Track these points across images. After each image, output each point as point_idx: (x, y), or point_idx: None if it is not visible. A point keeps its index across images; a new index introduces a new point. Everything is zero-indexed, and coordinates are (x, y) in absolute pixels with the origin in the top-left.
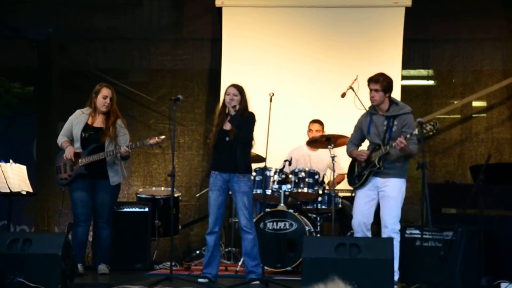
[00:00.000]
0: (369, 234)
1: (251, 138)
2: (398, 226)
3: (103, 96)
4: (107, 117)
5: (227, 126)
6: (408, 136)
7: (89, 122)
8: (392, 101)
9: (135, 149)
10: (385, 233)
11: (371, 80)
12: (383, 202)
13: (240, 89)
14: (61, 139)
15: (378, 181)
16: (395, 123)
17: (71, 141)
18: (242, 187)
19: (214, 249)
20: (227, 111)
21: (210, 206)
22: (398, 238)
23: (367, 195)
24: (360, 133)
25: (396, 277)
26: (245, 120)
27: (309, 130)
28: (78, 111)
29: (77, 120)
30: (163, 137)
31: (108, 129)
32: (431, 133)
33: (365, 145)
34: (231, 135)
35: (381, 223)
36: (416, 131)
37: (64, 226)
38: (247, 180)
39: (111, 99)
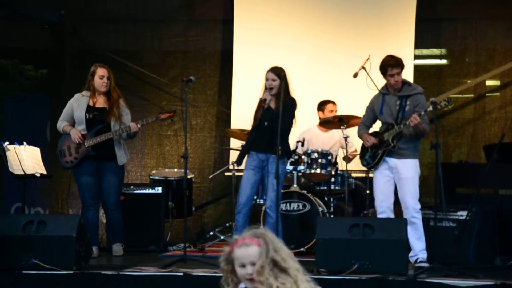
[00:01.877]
0: (392, 215)
1: (290, 126)
2: (419, 206)
3: (100, 76)
4: (108, 97)
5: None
6: (422, 113)
7: (91, 104)
8: (404, 82)
9: (145, 127)
10: (407, 214)
11: (391, 65)
12: (401, 183)
13: (278, 73)
14: (62, 124)
15: (393, 161)
16: (408, 102)
17: (72, 125)
18: (274, 168)
19: (243, 230)
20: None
21: (242, 185)
22: (420, 217)
23: (385, 174)
24: (372, 114)
25: (424, 256)
26: (284, 108)
27: (324, 110)
28: (77, 95)
29: (77, 103)
30: (174, 112)
31: (112, 108)
32: (446, 109)
33: (376, 127)
34: (270, 117)
35: (401, 204)
36: (430, 108)
37: (77, 208)
38: (282, 163)
39: (108, 77)
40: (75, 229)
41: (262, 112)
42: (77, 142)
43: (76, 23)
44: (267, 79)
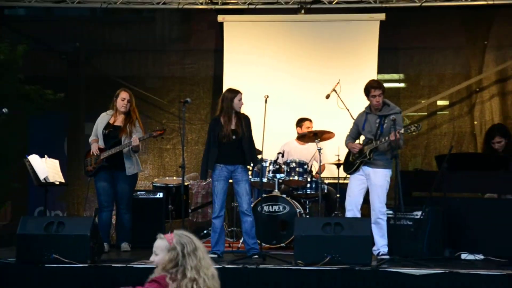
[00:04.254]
0: (359, 214)
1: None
2: (385, 209)
3: (122, 98)
4: (126, 116)
5: (232, 125)
6: (402, 131)
7: (111, 122)
8: (384, 103)
9: (149, 143)
10: (374, 215)
11: (374, 87)
12: (372, 189)
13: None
14: (91, 138)
15: (367, 170)
16: (386, 121)
17: (98, 140)
18: (244, 176)
19: (221, 231)
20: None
21: (217, 194)
22: (385, 218)
23: (359, 179)
24: (357, 129)
25: (385, 250)
26: (247, 123)
27: (301, 126)
28: (103, 114)
29: (101, 120)
30: (164, 130)
31: (125, 126)
32: (414, 133)
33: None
34: (237, 133)
35: (370, 206)
36: (402, 130)
37: (91, 211)
38: (247, 170)
39: (129, 100)
40: (89, 229)
41: (229, 129)
42: (95, 154)
43: (90, 53)
44: (240, 100)
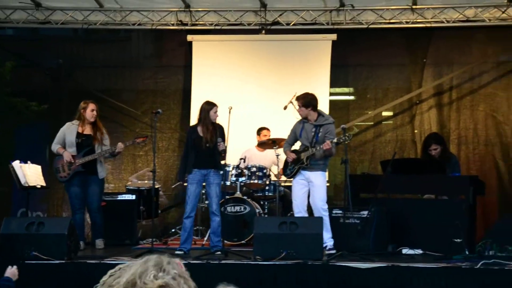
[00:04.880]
0: (306, 214)
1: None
2: (326, 206)
3: (91, 109)
4: (93, 126)
5: (208, 134)
6: (335, 140)
7: (80, 131)
8: (319, 113)
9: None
10: (316, 213)
11: (296, 100)
12: (312, 190)
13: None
14: (56, 146)
15: (307, 174)
16: (321, 130)
17: (64, 148)
18: (216, 179)
19: (190, 230)
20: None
21: (189, 196)
22: (327, 214)
23: (301, 183)
24: (294, 136)
25: (331, 243)
26: (222, 132)
27: (260, 135)
28: (68, 123)
29: (69, 130)
30: (147, 137)
31: (96, 135)
32: (346, 142)
33: (297, 145)
34: (212, 141)
35: (312, 206)
36: (335, 140)
37: (69, 212)
38: (220, 174)
39: (97, 111)
40: (66, 228)
41: (205, 137)
42: (69, 161)
43: (71, 69)
44: (215, 112)
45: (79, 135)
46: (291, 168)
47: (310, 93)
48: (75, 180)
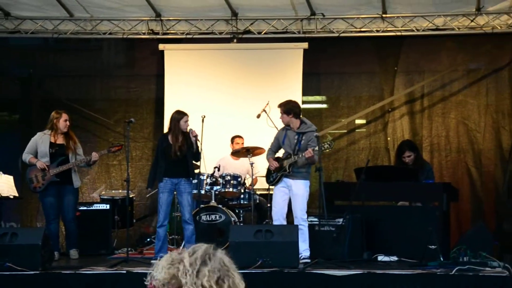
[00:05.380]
0: (284, 222)
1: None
2: (306, 216)
3: (64, 119)
4: (65, 136)
5: (178, 143)
6: (316, 148)
7: (52, 141)
8: (302, 121)
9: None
10: (296, 222)
11: (278, 107)
12: (293, 199)
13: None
14: (27, 156)
15: (289, 181)
16: (303, 138)
17: (35, 158)
18: (188, 188)
19: (164, 238)
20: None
21: (161, 205)
22: (306, 225)
23: (282, 191)
24: (277, 143)
25: (307, 254)
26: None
27: (233, 143)
28: (39, 133)
29: (41, 140)
30: (121, 146)
31: (69, 144)
32: (327, 150)
33: (281, 151)
34: (182, 150)
35: (293, 214)
36: (317, 147)
37: (43, 222)
38: (191, 183)
39: (69, 121)
40: (40, 239)
41: (175, 147)
42: (43, 170)
43: (42, 78)
44: (186, 121)
45: (52, 145)
46: (274, 175)
47: (293, 101)
48: (49, 190)
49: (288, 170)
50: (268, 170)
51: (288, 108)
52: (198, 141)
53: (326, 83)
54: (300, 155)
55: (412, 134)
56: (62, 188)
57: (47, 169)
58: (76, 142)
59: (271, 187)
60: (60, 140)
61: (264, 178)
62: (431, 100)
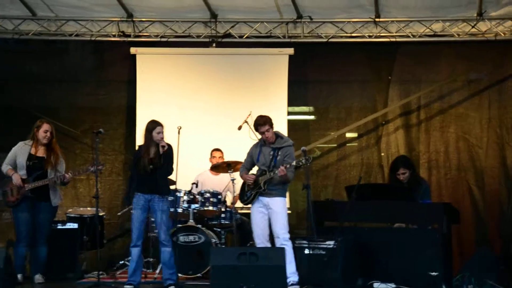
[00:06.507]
0: (268, 244)
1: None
2: (288, 235)
3: (44, 130)
4: (47, 148)
5: (151, 155)
6: (293, 163)
7: (32, 152)
8: (278, 135)
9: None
10: (277, 242)
11: (260, 124)
12: (273, 217)
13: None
14: (6, 168)
15: (265, 200)
16: (279, 153)
17: (14, 169)
18: (162, 206)
19: (138, 260)
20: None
21: (134, 222)
22: (290, 245)
23: (260, 211)
24: (251, 160)
25: (296, 279)
26: (169, 153)
27: (212, 157)
28: (20, 143)
29: (21, 151)
30: (102, 165)
31: (49, 158)
32: (306, 165)
33: (255, 169)
34: (155, 163)
35: (273, 234)
36: (294, 163)
37: (4, 242)
38: (166, 200)
39: (51, 132)
40: (2, 261)
41: (146, 160)
42: (18, 185)
43: (5, 83)
44: (158, 133)
45: (31, 157)
46: (248, 194)
47: (264, 115)
48: (24, 206)
49: (263, 188)
50: (242, 188)
51: (270, 121)
52: (163, 150)
53: (314, 92)
54: (276, 171)
55: (408, 149)
56: (37, 204)
57: (22, 184)
58: (58, 156)
59: (247, 206)
60: (41, 153)
61: None
62: (429, 113)
